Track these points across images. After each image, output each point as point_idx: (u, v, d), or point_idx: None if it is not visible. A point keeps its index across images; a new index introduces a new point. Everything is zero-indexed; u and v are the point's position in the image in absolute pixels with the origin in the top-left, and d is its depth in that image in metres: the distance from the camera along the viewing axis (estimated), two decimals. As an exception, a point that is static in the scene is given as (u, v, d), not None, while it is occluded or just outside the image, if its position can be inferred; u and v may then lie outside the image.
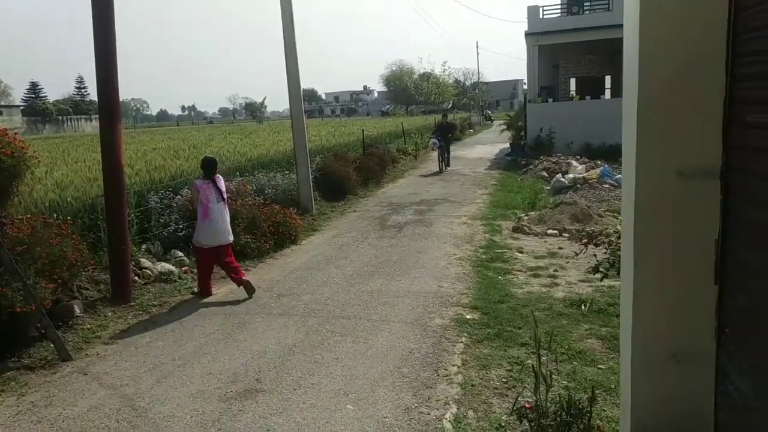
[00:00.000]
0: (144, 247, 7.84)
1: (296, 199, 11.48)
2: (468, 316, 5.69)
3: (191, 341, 5.38)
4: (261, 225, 8.75)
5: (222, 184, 6.57)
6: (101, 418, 4.07)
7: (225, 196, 6.55)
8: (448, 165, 18.00)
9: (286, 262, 8.17)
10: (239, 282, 6.58)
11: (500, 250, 8.21)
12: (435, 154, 19.35)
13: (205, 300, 6.60)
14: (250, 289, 6.48)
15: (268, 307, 6.25)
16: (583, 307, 5.67)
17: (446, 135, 18.04)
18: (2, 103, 75.53)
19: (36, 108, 74.18)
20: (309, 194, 11.63)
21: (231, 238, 6.61)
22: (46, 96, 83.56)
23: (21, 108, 73.84)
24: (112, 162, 6.38)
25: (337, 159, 14.03)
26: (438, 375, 4.48)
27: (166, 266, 7.40)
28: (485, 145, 28.46)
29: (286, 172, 12.38)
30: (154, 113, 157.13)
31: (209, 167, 6.45)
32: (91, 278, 6.62)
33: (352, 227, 10.36)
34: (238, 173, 11.33)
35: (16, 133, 5.80)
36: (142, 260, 7.35)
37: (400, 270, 7.43)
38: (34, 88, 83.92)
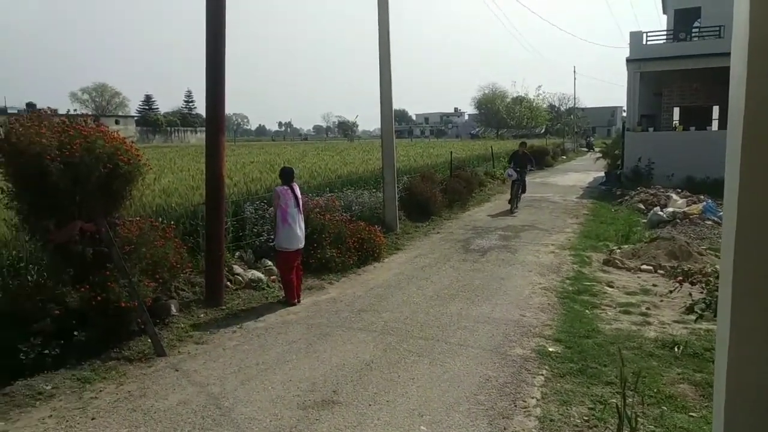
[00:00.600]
0: (237, 254, 8.24)
1: (381, 217, 11.66)
2: (550, 349, 5.53)
3: (275, 348, 5.59)
4: (346, 240, 8.96)
5: (298, 191, 6.94)
6: (188, 413, 4.32)
7: (300, 203, 6.89)
8: (517, 202, 15.13)
9: (368, 279, 8.30)
10: (290, 296, 6.90)
11: (589, 283, 7.92)
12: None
13: (290, 309, 6.85)
14: (286, 303, 6.90)
15: (348, 321, 6.38)
16: (676, 350, 5.34)
17: (524, 167, 15.33)
18: (120, 113, 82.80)
19: (148, 119, 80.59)
20: (394, 213, 11.77)
21: (303, 244, 7.00)
22: (158, 108, 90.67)
23: (135, 118, 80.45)
24: (214, 172, 6.81)
25: (423, 179, 14.14)
26: (515, 406, 4.37)
27: (256, 274, 7.74)
28: (578, 173, 27.60)
29: (374, 190, 12.61)
30: (253, 128, 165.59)
31: (287, 176, 6.88)
32: (187, 280, 7.06)
33: (434, 248, 10.37)
34: (327, 189, 11.69)
35: (132, 142, 6.34)
36: (235, 267, 7.75)
37: (482, 295, 7.34)
38: (148, 100, 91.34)
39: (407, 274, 8.52)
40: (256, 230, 8.68)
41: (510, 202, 15.10)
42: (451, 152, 18.74)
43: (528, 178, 16.21)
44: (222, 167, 6.87)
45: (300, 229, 6.90)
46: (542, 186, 21.43)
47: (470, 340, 5.73)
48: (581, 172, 27.71)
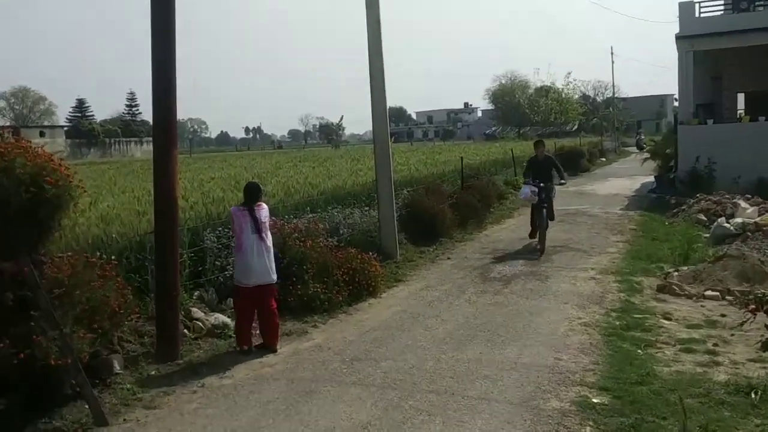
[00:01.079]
0: (196, 294, 8.23)
1: (377, 242, 11.69)
2: (595, 400, 5.52)
3: (247, 411, 5.56)
4: (333, 272, 8.95)
5: (263, 213, 7.05)
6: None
7: (261, 227, 6.95)
8: (544, 239, 12.10)
9: (362, 319, 8.30)
10: (266, 344, 7.09)
11: (640, 316, 7.92)
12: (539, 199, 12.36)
13: (264, 360, 6.82)
14: (263, 348, 7.13)
15: (339, 373, 6.36)
16: (753, 396, 5.34)
17: (547, 179, 12.21)
18: (45, 123, 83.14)
19: (81, 129, 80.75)
20: (393, 236, 11.81)
21: (273, 278, 7.04)
22: (92, 115, 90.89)
23: (65, 129, 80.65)
24: (164, 193, 6.83)
25: (428, 193, 14.20)
26: (553, 474, 4.35)
27: (221, 318, 7.72)
28: (622, 178, 27.79)
29: (366, 208, 12.65)
30: (213, 136, 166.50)
31: (250, 194, 7.07)
32: (134, 329, 7.04)
33: (445, 278, 10.39)
34: (308, 209, 11.73)
35: (61, 159, 6.36)
36: (194, 310, 7.72)
37: (506, 335, 7.34)
38: (80, 105, 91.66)
39: (411, 311, 8.52)
40: (219, 263, 8.67)
41: (532, 235, 12.52)
42: (462, 158, 18.80)
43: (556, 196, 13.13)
44: (174, 186, 6.90)
45: (262, 260, 6.95)
46: (577, 196, 21.55)
47: (493, 393, 5.72)
48: (625, 177, 27.91)
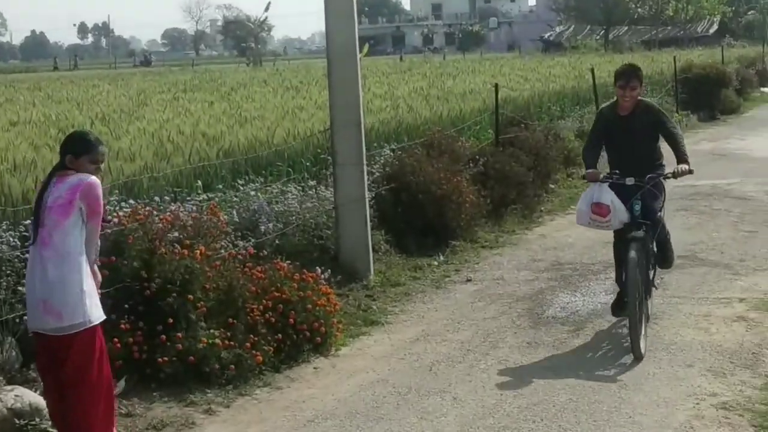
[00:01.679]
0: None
1: (331, 248, 11.74)
2: None
3: None
4: (247, 307, 8.93)
5: (60, 188, 6.66)
6: None
7: (43, 218, 6.62)
8: (644, 303, 9.48)
9: (300, 398, 8.30)
10: None
11: (828, 391, 7.96)
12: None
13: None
14: None
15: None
16: None
17: (644, 167, 9.76)
18: None
19: None
20: (362, 236, 11.85)
21: (66, 320, 6.55)
22: None
23: None
24: None
25: (432, 154, 14.12)
26: None
27: (27, 396, 7.62)
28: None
29: (311, 182, 12.57)
30: (16, 42, 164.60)
31: (69, 150, 6.83)
32: None
33: (459, 318, 10.47)
34: (199, 184, 11.62)
35: None
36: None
37: (577, 427, 7.37)
38: None
39: (395, 383, 8.53)
40: (23, 289, 8.53)
41: (616, 309, 9.99)
42: (497, 85, 18.69)
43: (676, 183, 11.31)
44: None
45: (43, 282, 6.57)
46: (715, 161, 21.59)
47: None
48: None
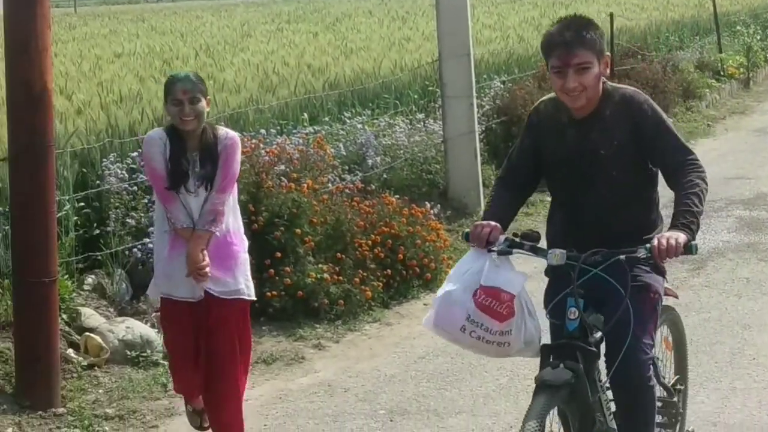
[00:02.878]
0: (90, 281, 8.31)
1: (440, 183, 11.74)
2: None
3: None
4: (354, 242, 9.01)
5: (233, 154, 5.99)
6: None
7: (222, 175, 5.94)
8: None
9: (410, 335, 8.37)
10: (188, 396, 6.37)
11: None
12: None
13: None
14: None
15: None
16: None
17: (626, 234, 4.91)
18: None
19: None
20: (472, 170, 11.82)
21: (230, 285, 6.01)
22: None
23: None
24: (25, 83, 6.80)
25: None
26: None
27: (137, 328, 7.79)
28: None
29: (419, 116, 12.54)
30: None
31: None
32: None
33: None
34: (305, 117, 11.65)
35: None
36: (86, 311, 7.79)
37: (698, 370, 7.26)
38: None
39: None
40: (132, 221, 8.72)
41: None
42: (612, 14, 18.45)
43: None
44: (46, 69, 6.89)
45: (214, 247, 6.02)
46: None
47: None
48: None
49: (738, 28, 24.73)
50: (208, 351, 5.96)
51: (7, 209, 7.44)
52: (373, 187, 10.42)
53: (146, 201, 8.76)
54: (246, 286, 6.01)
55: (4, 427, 6.53)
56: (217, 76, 12.92)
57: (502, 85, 14.18)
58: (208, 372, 5.99)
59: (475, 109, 11.90)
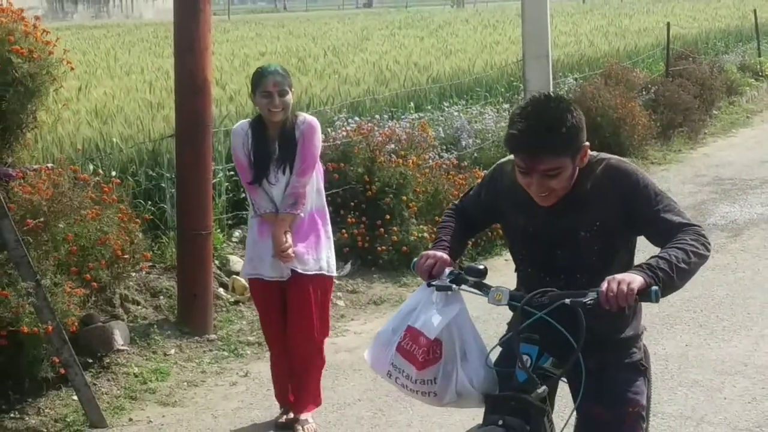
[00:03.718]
0: (238, 234, 8.48)
1: (522, 161, 11.68)
2: None
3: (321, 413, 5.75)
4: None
5: (310, 137, 5.39)
6: None
7: (302, 159, 5.36)
8: None
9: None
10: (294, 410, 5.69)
11: None
12: None
13: (339, 339, 7.01)
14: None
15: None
16: None
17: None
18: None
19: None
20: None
21: (311, 262, 5.43)
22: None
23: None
24: (190, 74, 6.96)
25: (609, 83, 13.93)
26: None
27: (275, 272, 7.95)
28: None
29: (505, 106, 12.52)
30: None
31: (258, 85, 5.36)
32: (144, 284, 7.33)
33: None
34: (411, 105, 11.71)
35: (37, 18, 6.56)
36: (234, 259, 7.96)
37: (731, 321, 7.23)
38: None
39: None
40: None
41: None
42: (668, 23, 18.18)
43: None
44: (206, 64, 7.03)
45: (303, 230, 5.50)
46: None
47: (705, 408, 5.66)
48: None
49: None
50: (288, 336, 5.55)
51: (173, 176, 7.63)
52: (466, 163, 10.40)
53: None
54: (328, 264, 5.49)
55: (168, 348, 6.77)
56: (341, 72, 13.10)
57: (574, 82, 14.10)
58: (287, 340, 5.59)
59: (551, 101, 11.85)
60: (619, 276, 3.10)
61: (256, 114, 5.63)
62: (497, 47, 16.92)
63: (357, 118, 9.91)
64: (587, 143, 3.38)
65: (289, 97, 5.28)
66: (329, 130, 9.54)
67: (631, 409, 3.44)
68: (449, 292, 3.51)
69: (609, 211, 3.37)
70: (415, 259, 3.70)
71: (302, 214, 5.39)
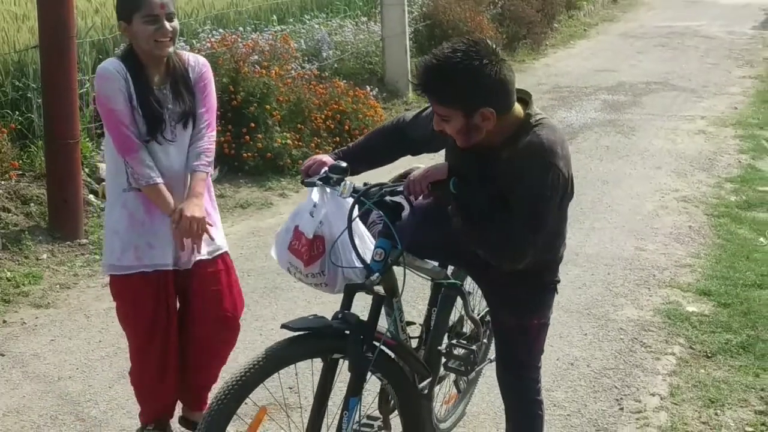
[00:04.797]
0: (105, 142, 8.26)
1: (378, 72, 11.65)
2: (690, 308, 5.63)
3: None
4: (312, 116, 9.01)
5: (211, 82, 4.08)
6: (26, 428, 4.47)
7: (209, 114, 4.06)
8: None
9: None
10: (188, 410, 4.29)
11: (767, 189, 7.97)
12: None
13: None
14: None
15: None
16: None
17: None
18: None
19: None
20: (403, 62, 11.75)
21: (219, 243, 4.10)
22: None
23: None
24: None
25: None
26: (622, 410, 4.53)
27: (142, 179, 7.82)
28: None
29: (363, 18, 12.42)
30: None
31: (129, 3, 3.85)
32: (14, 192, 7.11)
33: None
34: (274, 18, 11.52)
35: None
36: (102, 166, 7.73)
37: (568, 214, 7.41)
38: None
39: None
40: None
41: None
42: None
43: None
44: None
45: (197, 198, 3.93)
46: (688, 7, 21.07)
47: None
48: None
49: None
50: (190, 333, 4.06)
51: (39, 86, 7.35)
52: (326, 74, 10.35)
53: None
54: (223, 236, 4.17)
55: (41, 253, 6.61)
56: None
57: (427, -6, 14.11)
58: (190, 355, 4.10)
59: (407, 15, 11.81)
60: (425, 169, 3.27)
61: (124, 48, 3.99)
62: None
63: (221, 30, 9.71)
64: (490, 109, 3.05)
65: (177, 23, 3.87)
66: (194, 41, 9.41)
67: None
68: (328, 190, 3.47)
69: (506, 187, 3.16)
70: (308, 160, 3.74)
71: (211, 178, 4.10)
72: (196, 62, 3.99)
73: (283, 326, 3.26)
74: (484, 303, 3.89)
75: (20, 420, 4.56)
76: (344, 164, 3.50)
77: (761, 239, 6.79)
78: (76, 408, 4.67)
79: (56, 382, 4.94)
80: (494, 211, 3.16)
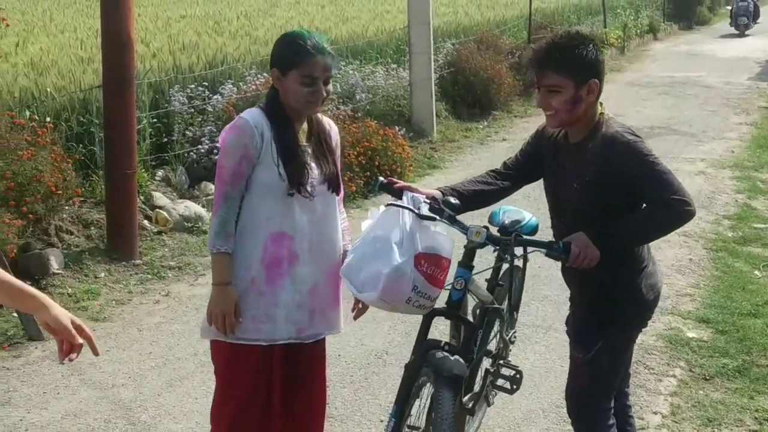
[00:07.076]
0: (160, 174, 8.35)
1: (406, 113, 11.68)
2: (690, 334, 5.62)
3: (223, 329, 5.72)
4: (344, 153, 9.01)
5: (333, 134, 3.64)
6: (82, 431, 4.49)
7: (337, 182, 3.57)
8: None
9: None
10: None
11: (763, 226, 7.92)
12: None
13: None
14: None
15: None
16: None
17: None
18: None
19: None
20: (428, 106, 11.77)
21: (335, 319, 3.60)
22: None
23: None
24: (116, 33, 6.77)
25: (481, 48, 14.00)
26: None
27: (192, 207, 7.88)
28: (756, 37, 26.98)
29: (393, 66, 12.51)
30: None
31: (292, 55, 3.31)
32: (76, 216, 7.20)
33: (498, 163, 10.35)
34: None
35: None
36: (157, 195, 7.86)
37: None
38: None
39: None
40: (190, 133, 8.73)
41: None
42: (531, -1, 18.40)
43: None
44: (129, 24, 6.85)
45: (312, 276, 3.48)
46: (689, 59, 21.06)
47: (553, 318, 5.81)
48: (761, 35, 27.07)
49: (618, 10, 24.89)
50: (294, 403, 3.51)
51: (101, 122, 7.47)
52: (359, 115, 10.44)
53: (200, 119, 8.84)
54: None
55: (99, 272, 6.68)
56: (253, 34, 12.85)
57: (452, 46, 14.11)
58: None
59: (432, 62, 11.88)
60: (583, 242, 3.29)
61: (269, 97, 3.43)
62: (387, 15, 16.79)
63: (266, 74, 9.78)
64: (596, 81, 3.29)
65: (330, 86, 3.44)
66: (241, 84, 9.52)
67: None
68: (434, 221, 3.39)
69: (596, 172, 3.30)
70: (381, 178, 3.72)
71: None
72: (330, 125, 3.62)
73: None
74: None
75: (77, 422, 4.60)
76: (458, 202, 3.48)
77: (756, 272, 6.77)
78: (128, 413, 4.71)
79: (110, 389, 4.98)
80: (630, 224, 3.35)
